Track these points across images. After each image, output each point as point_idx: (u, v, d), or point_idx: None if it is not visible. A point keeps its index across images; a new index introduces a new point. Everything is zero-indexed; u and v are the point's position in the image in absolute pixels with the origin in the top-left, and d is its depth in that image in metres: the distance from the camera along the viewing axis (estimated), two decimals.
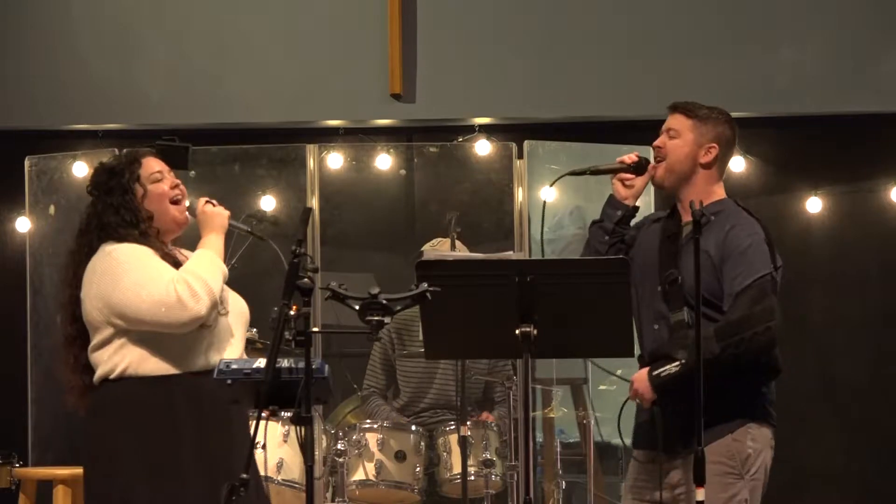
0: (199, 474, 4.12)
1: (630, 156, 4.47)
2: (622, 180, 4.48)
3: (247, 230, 4.39)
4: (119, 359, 4.16)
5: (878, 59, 7.31)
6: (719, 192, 4.44)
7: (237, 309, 4.33)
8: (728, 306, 4.19)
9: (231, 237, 4.48)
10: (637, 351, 4.32)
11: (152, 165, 4.32)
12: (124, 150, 4.48)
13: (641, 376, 4.24)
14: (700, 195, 4.32)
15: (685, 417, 4.01)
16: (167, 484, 4.11)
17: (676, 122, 4.43)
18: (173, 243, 4.39)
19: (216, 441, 4.15)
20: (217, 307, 4.16)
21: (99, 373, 4.20)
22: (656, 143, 4.44)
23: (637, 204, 4.56)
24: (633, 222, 4.56)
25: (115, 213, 4.25)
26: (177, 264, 4.21)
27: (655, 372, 4.20)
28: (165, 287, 4.07)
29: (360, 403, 6.75)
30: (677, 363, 4.14)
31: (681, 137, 4.40)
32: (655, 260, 4.37)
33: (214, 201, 4.35)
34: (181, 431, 4.14)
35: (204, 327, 4.15)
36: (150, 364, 4.15)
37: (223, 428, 4.15)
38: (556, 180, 4.55)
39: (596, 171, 4.50)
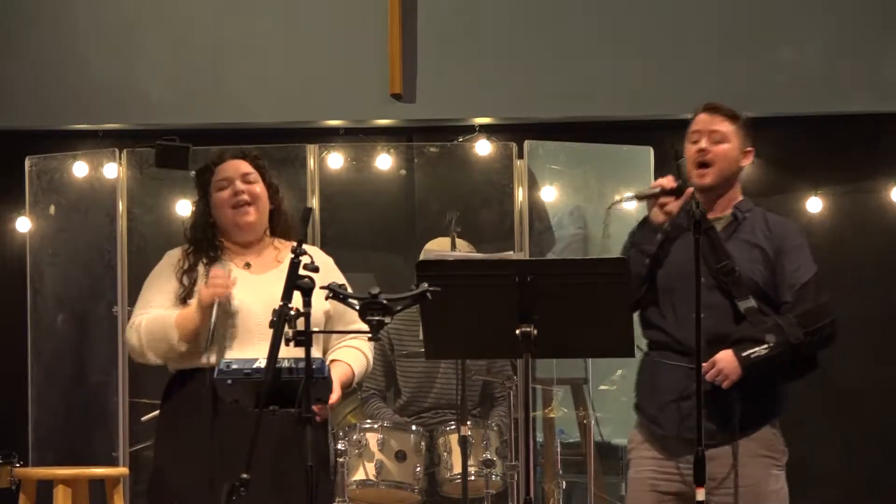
0: (189, 460, 4.25)
1: (669, 179, 4.39)
2: (662, 205, 4.39)
3: (211, 320, 4.32)
4: None
5: (879, 58, 7.31)
6: (740, 192, 4.53)
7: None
8: (791, 297, 4.32)
9: None
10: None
11: (223, 172, 4.47)
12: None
13: (728, 356, 4.24)
14: (735, 195, 4.46)
15: (744, 404, 4.24)
16: (167, 469, 4.33)
17: (721, 125, 4.44)
18: (285, 237, 4.52)
19: (223, 438, 4.20)
20: (158, 363, 4.36)
21: None
22: (702, 145, 4.41)
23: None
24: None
25: (191, 216, 4.56)
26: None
27: (745, 353, 4.23)
28: (131, 321, 4.40)
29: (359, 405, 6.75)
30: (766, 346, 4.24)
31: (728, 142, 4.43)
32: (693, 255, 4.36)
33: (215, 274, 4.31)
34: (181, 424, 4.31)
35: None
36: (175, 362, 4.40)
37: (229, 424, 4.19)
38: (610, 207, 4.54)
39: (641, 196, 4.44)
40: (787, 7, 7.34)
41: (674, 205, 4.38)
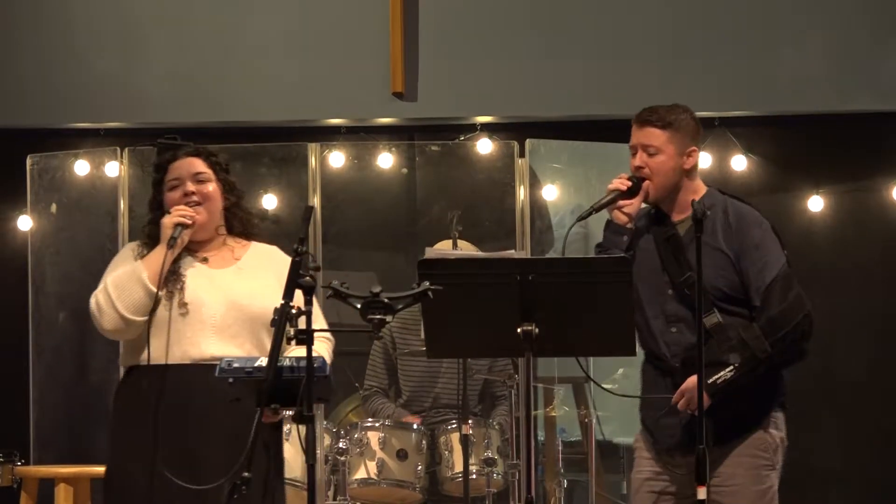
0: (136, 464, 4.23)
1: (622, 181, 4.38)
2: (621, 208, 4.38)
3: (173, 236, 4.33)
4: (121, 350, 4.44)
5: (880, 57, 7.31)
6: (702, 186, 4.45)
7: (239, 304, 4.33)
8: (759, 300, 4.23)
9: None
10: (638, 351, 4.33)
11: (175, 170, 4.41)
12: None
13: (694, 385, 4.17)
14: (688, 196, 4.36)
15: (723, 414, 4.15)
16: (118, 470, 4.31)
17: (652, 136, 4.36)
18: (244, 236, 4.48)
19: (168, 433, 4.21)
20: (126, 320, 4.25)
21: None
22: (637, 163, 4.37)
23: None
24: None
25: (148, 211, 4.48)
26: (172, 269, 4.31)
27: (711, 380, 4.15)
28: (94, 294, 4.31)
29: (361, 403, 6.75)
30: (731, 368, 4.17)
31: (662, 153, 4.35)
32: (657, 263, 4.36)
33: (174, 209, 4.34)
34: (134, 421, 4.28)
35: (154, 324, 4.27)
36: (126, 356, 4.39)
37: (176, 419, 4.21)
38: (568, 230, 4.44)
39: (599, 207, 4.40)
40: (788, 6, 7.34)
41: (635, 203, 4.38)
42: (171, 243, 4.27)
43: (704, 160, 7.35)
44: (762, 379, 4.25)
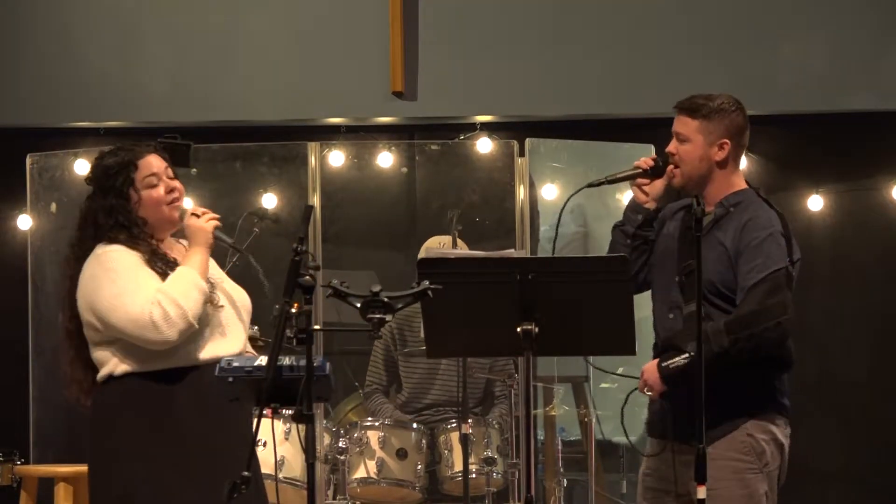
0: (200, 469, 4.12)
1: (646, 160, 4.39)
2: (640, 185, 4.41)
3: (230, 243, 4.36)
4: (122, 355, 4.18)
5: (880, 56, 7.31)
6: (739, 183, 4.38)
7: (238, 301, 4.34)
8: (740, 300, 4.18)
9: (233, 231, 4.47)
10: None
11: (148, 167, 4.30)
12: (118, 146, 4.41)
13: (651, 367, 4.23)
14: (721, 189, 4.33)
15: (694, 409, 4.00)
16: (169, 480, 4.11)
17: (683, 124, 4.34)
18: (173, 235, 4.40)
19: (218, 435, 4.16)
20: (190, 329, 4.12)
21: (103, 371, 4.22)
22: (669, 148, 4.37)
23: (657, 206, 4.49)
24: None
25: (108, 214, 4.28)
26: (167, 263, 4.23)
27: (664, 363, 4.18)
28: (142, 306, 4.09)
29: (361, 401, 6.75)
30: (686, 355, 4.13)
31: (690, 141, 4.32)
32: (675, 249, 4.36)
33: (199, 212, 4.30)
34: (182, 426, 4.15)
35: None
36: (150, 360, 4.16)
37: (225, 421, 4.16)
38: (574, 193, 4.48)
39: (613, 180, 4.42)
40: (788, 5, 7.34)
41: (657, 184, 4.40)
42: (234, 245, 4.27)
43: None
44: (731, 378, 4.15)
